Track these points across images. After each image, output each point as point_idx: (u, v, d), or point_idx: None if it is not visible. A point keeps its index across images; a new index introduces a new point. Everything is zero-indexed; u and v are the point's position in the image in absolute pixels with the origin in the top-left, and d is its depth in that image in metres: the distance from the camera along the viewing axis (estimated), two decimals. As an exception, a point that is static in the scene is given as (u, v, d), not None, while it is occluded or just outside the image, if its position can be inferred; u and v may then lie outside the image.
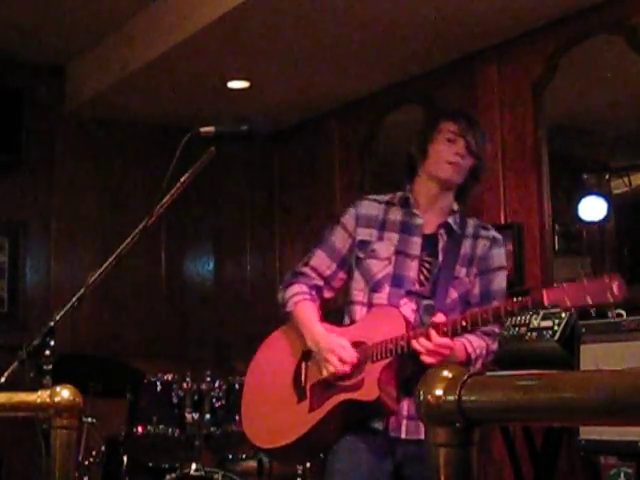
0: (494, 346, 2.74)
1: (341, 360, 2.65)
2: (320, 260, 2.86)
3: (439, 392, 1.12)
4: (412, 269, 2.73)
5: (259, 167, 6.77)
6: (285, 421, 2.76)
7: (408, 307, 2.70)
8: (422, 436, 2.60)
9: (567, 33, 4.60)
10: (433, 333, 2.51)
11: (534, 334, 3.76)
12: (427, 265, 2.75)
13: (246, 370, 3.00)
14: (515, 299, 2.48)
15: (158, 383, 4.26)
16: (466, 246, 2.78)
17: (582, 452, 3.45)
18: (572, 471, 4.21)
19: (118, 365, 4.71)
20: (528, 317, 3.85)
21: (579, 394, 1.02)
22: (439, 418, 1.12)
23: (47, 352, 2.41)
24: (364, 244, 2.80)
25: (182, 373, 4.27)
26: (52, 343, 2.42)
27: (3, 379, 2.39)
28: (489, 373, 1.16)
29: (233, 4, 4.54)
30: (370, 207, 2.84)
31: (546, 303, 2.40)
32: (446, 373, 1.13)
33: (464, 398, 1.10)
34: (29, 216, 6.05)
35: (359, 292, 2.79)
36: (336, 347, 2.67)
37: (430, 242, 2.77)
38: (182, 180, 2.62)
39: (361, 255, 2.79)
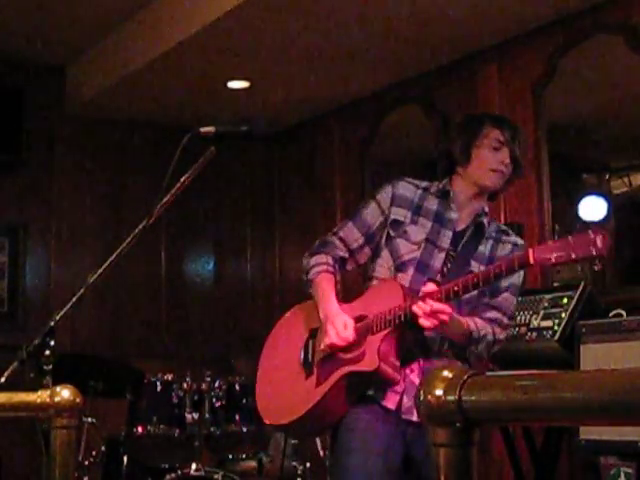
0: (502, 335, 2.75)
1: (338, 335, 2.69)
2: (349, 232, 2.88)
3: (439, 392, 1.12)
4: (438, 260, 2.77)
5: (259, 167, 6.77)
6: (294, 397, 2.82)
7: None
8: None
9: (567, 33, 4.60)
10: (428, 299, 2.56)
11: (534, 334, 3.77)
12: (452, 260, 2.79)
13: (257, 359, 3.05)
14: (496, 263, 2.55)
15: (158, 383, 4.26)
16: (486, 246, 2.82)
17: (582, 452, 3.45)
18: (572, 471, 4.21)
19: (118, 365, 4.71)
20: (528, 317, 3.85)
21: (579, 394, 1.02)
22: (439, 418, 1.12)
23: (47, 352, 2.41)
24: (397, 223, 2.82)
25: (182, 373, 4.28)
26: (52, 343, 2.42)
27: (3, 379, 2.40)
28: (489, 373, 1.16)
29: (233, 4, 4.54)
30: (407, 189, 2.86)
31: (531, 262, 2.45)
32: (446, 373, 1.13)
33: (464, 398, 1.10)
34: (29, 216, 6.05)
35: (384, 269, 2.83)
36: (338, 323, 2.71)
37: (459, 238, 2.82)
38: (182, 180, 2.62)
39: (393, 234, 2.82)
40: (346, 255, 2.89)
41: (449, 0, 4.45)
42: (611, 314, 3.57)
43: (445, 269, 2.77)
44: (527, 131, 4.79)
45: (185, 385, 4.22)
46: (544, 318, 3.77)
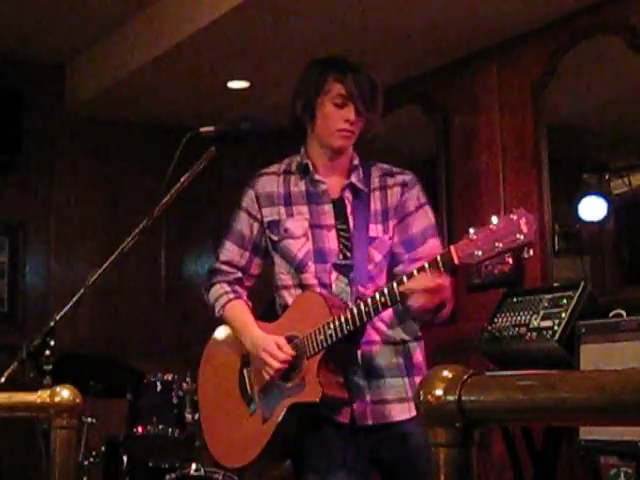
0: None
1: (276, 359, 2.50)
2: (231, 252, 2.70)
3: (439, 392, 1.12)
4: (331, 240, 2.56)
5: (259, 167, 6.75)
6: (243, 436, 2.63)
7: (340, 282, 2.54)
8: (390, 419, 2.52)
9: (567, 33, 4.60)
10: (425, 275, 2.30)
11: (534, 334, 3.77)
12: (344, 233, 2.57)
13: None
14: (425, 264, 2.30)
15: (158, 383, 4.26)
16: (375, 201, 2.59)
17: (582, 452, 3.45)
18: (572, 471, 4.21)
19: (118, 365, 4.71)
20: (528, 317, 3.85)
21: (579, 394, 1.02)
22: (439, 418, 1.12)
23: (47, 352, 2.41)
24: (274, 225, 2.62)
25: (182, 373, 4.27)
26: (52, 343, 2.42)
27: (3, 379, 2.40)
28: (489, 373, 1.16)
29: (233, 4, 4.54)
30: (268, 183, 2.66)
31: (457, 262, 2.25)
32: (446, 373, 1.13)
33: (464, 398, 1.10)
34: (29, 216, 6.05)
35: (285, 275, 2.64)
36: (271, 346, 2.52)
37: (340, 207, 2.59)
38: (182, 180, 2.62)
39: (275, 238, 2.62)
40: (238, 274, 2.71)
41: (449, 0, 4.45)
42: (611, 314, 3.57)
43: (341, 246, 2.55)
44: (527, 131, 4.80)
45: (185, 385, 4.21)
46: (544, 318, 3.77)
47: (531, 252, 2.22)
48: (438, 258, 2.30)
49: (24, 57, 5.93)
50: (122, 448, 4.33)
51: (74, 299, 2.53)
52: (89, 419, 4.35)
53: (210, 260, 6.69)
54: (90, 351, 5.52)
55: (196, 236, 6.61)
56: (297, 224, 2.59)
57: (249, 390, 2.67)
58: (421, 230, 2.57)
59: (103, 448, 4.39)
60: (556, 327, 3.68)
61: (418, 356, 2.63)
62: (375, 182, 2.62)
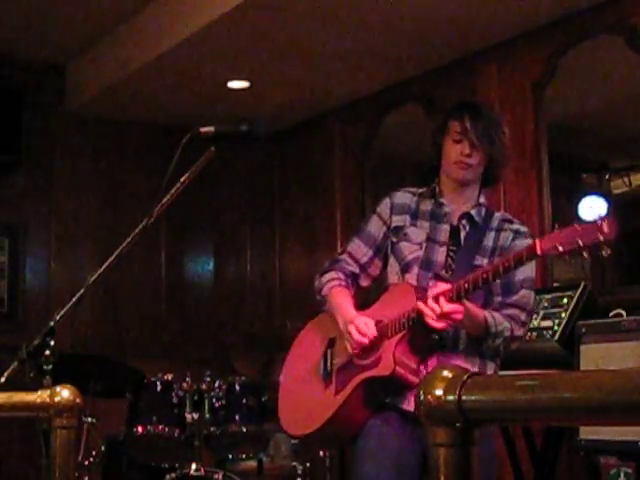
0: (519, 332, 2.72)
1: (360, 332, 2.70)
2: (357, 247, 2.94)
3: (439, 392, 1.12)
4: (440, 254, 2.79)
5: (259, 167, 6.77)
6: (314, 407, 2.84)
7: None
8: None
9: (567, 33, 4.60)
10: (442, 299, 2.54)
11: (534, 334, 3.77)
12: (452, 254, 2.80)
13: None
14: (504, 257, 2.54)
15: (158, 383, 4.25)
16: (489, 238, 2.81)
17: (582, 452, 3.45)
18: (572, 471, 4.21)
19: (118, 365, 4.70)
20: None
21: (579, 394, 1.02)
22: (439, 418, 1.12)
23: (47, 352, 2.41)
24: (398, 229, 2.88)
25: (182, 373, 4.27)
26: (52, 343, 2.42)
27: (3, 379, 2.40)
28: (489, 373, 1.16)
29: (233, 4, 4.54)
30: (403, 197, 2.92)
31: (539, 253, 2.45)
32: (446, 373, 1.13)
33: (464, 398, 1.10)
34: (29, 216, 6.05)
35: (393, 275, 2.86)
36: (359, 322, 2.73)
37: (456, 231, 2.84)
38: (182, 180, 2.62)
39: (394, 239, 2.87)
40: (357, 270, 2.94)
41: (449, 1, 4.45)
42: (611, 314, 3.57)
43: (448, 263, 2.78)
44: (527, 131, 4.80)
45: (185, 385, 4.21)
46: (544, 318, 3.77)
47: (609, 251, 2.42)
48: (522, 249, 2.54)
49: (24, 57, 5.93)
50: (122, 448, 4.33)
51: (74, 299, 2.53)
52: (89, 419, 4.35)
53: (210, 260, 6.73)
54: (90, 351, 5.52)
55: (196, 236, 6.61)
56: (417, 233, 2.85)
57: (329, 367, 2.87)
58: (522, 279, 2.76)
59: (103, 448, 4.39)
60: (556, 327, 3.68)
61: (491, 372, 2.79)
62: (494, 223, 2.84)
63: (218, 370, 4.51)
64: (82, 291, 2.54)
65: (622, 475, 3.55)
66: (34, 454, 2.95)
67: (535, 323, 3.79)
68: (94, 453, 4.38)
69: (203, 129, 2.65)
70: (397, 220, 2.89)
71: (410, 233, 2.85)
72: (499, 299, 2.74)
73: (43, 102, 6.09)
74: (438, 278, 2.74)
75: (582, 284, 3.78)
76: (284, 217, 6.59)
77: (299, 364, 3.00)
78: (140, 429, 4.19)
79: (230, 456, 4.48)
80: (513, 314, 2.72)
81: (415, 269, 2.79)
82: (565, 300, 3.74)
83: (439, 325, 2.56)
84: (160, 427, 4.17)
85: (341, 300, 2.87)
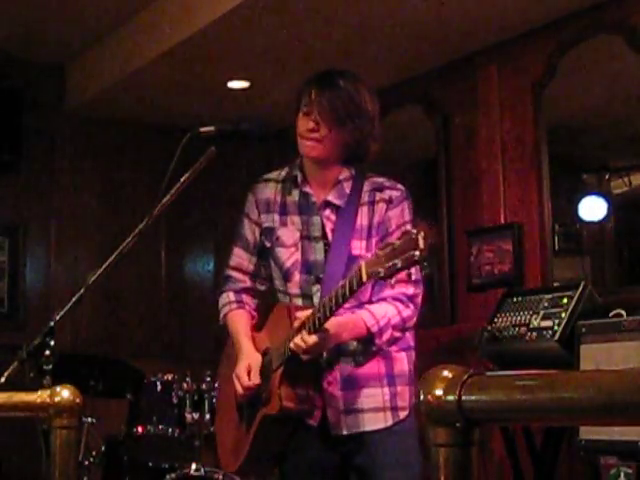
0: (408, 312, 2.55)
1: (242, 386, 2.60)
2: (239, 258, 2.79)
3: (439, 392, 1.12)
4: (318, 252, 2.62)
5: (259, 167, 6.76)
6: (234, 443, 2.73)
7: (325, 293, 2.55)
8: (364, 428, 2.57)
9: (567, 33, 4.60)
10: (304, 333, 2.42)
11: (534, 334, 3.77)
12: (327, 247, 2.61)
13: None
14: (343, 281, 2.37)
15: (158, 383, 4.25)
16: (362, 216, 2.60)
17: (582, 452, 3.45)
18: (572, 471, 4.21)
19: (118, 365, 4.71)
20: (528, 317, 3.85)
21: (579, 394, 1.02)
22: (439, 418, 1.12)
23: (47, 352, 2.41)
24: (268, 231, 2.70)
25: (182, 373, 4.27)
26: (52, 343, 2.42)
27: (3, 379, 2.40)
28: (489, 373, 1.16)
29: (233, 4, 4.54)
30: (266, 190, 2.73)
31: (364, 280, 2.27)
32: (446, 373, 1.13)
33: (464, 398, 1.10)
34: (29, 216, 6.04)
35: (277, 281, 2.72)
36: (241, 371, 2.61)
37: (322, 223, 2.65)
38: (182, 180, 2.62)
39: (267, 244, 2.71)
40: (247, 283, 2.79)
41: (449, 0, 4.45)
42: (611, 314, 3.57)
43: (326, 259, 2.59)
44: (527, 131, 4.79)
45: (185, 385, 4.21)
46: (544, 318, 3.77)
47: (428, 268, 2.29)
48: (350, 277, 2.34)
49: (24, 57, 5.93)
50: (122, 448, 4.33)
51: (74, 299, 2.53)
52: (89, 419, 4.35)
53: (210, 260, 6.72)
54: (90, 351, 5.52)
55: (196, 236, 6.61)
56: (289, 234, 2.66)
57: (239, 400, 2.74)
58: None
59: (103, 448, 4.39)
60: (556, 327, 3.68)
61: (403, 366, 2.66)
62: (365, 197, 2.63)
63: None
64: (82, 291, 2.54)
65: (622, 475, 3.55)
66: (34, 454, 2.95)
67: (535, 323, 3.79)
68: (94, 453, 4.38)
69: (203, 129, 2.65)
70: (266, 220, 2.70)
71: (282, 236, 2.66)
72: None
73: (43, 102, 6.09)
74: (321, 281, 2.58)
75: (582, 284, 3.78)
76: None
77: (222, 397, 2.91)
78: (140, 429, 4.19)
79: (230, 456, 4.47)
80: (396, 294, 2.53)
81: (296, 275, 2.63)
82: (565, 300, 3.74)
83: (309, 357, 2.45)
84: (160, 427, 4.17)
85: (235, 328, 2.73)
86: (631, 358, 3.28)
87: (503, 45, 4.94)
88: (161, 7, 5.24)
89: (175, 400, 4.20)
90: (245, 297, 2.80)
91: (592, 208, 4.78)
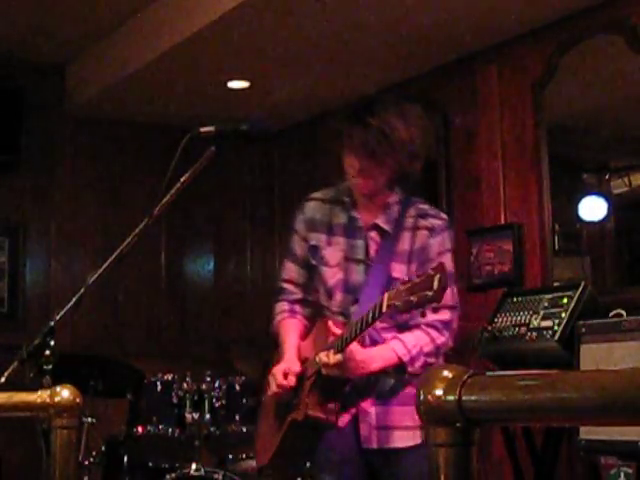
0: (442, 339, 2.63)
1: (276, 384, 2.71)
2: (291, 271, 2.90)
3: (439, 392, 1.12)
4: (359, 274, 2.71)
5: (259, 167, 6.77)
6: (268, 439, 2.86)
7: (358, 314, 2.64)
8: (394, 445, 2.66)
9: (567, 33, 4.60)
10: (330, 352, 2.54)
11: (534, 334, 3.77)
12: (369, 270, 2.72)
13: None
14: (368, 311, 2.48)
15: (158, 383, 4.26)
16: (404, 241, 2.69)
17: (582, 452, 3.45)
18: (572, 471, 4.21)
19: (118, 365, 4.71)
20: (528, 317, 3.85)
21: (579, 394, 1.02)
22: (439, 418, 1.12)
23: (47, 352, 2.41)
24: (314, 250, 2.80)
25: (182, 373, 4.27)
26: (52, 343, 2.42)
27: (3, 379, 2.40)
28: (489, 373, 1.16)
29: (233, 4, 4.54)
30: (315, 209, 2.84)
31: (384, 310, 2.40)
32: (446, 373, 1.13)
33: (464, 398, 1.10)
34: (29, 216, 6.05)
35: (322, 295, 2.82)
36: (278, 372, 2.71)
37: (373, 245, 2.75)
38: (182, 180, 2.62)
39: (313, 262, 2.81)
40: (300, 294, 2.89)
41: (449, 0, 4.45)
42: (611, 314, 3.57)
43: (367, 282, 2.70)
44: (527, 131, 4.79)
45: (185, 385, 4.21)
46: (544, 318, 3.77)
47: (433, 307, 2.41)
48: (374, 307, 2.45)
49: (24, 57, 5.93)
50: (122, 448, 4.33)
51: (74, 299, 2.53)
52: (89, 419, 4.35)
53: (210, 260, 6.72)
54: (90, 351, 5.52)
55: (196, 236, 6.61)
56: (333, 254, 2.76)
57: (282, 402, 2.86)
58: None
59: (103, 448, 4.39)
60: (556, 327, 3.68)
61: None
62: (408, 222, 2.71)
63: (218, 370, 4.51)
64: (82, 291, 2.54)
65: (622, 475, 3.55)
66: (34, 454, 2.95)
67: (535, 323, 3.79)
68: (94, 453, 4.38)
69: (203, 129, 2.65)
70: (313, 238, 2.80)
71: (327, 256, 2.76)
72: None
73: (43, 102, 6.09)
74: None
75: (582, 284, 3.78)
76: (284, 217, 6.58)
77: (268, 396, 2.98)
78: (140, 429, 4.19)
79: (230, 456, 4.48)
80: (431, 321, 2.62)
81: (338, 295, 2.73)
82: (565, 300, 3.74)
83: (330, 374, 2.56)
84: (160, 427, 4.18)
85: (283, 336, 2.84)
86: (631, 358, 3.27)
87: (503, 45, 4.94)
88: (161, 7, 5.24)
89: (175, 400, 4.21)
90: (298, 307, 2.90)
91: (592, 208, 4.77)
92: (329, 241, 2.77)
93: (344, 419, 2.67)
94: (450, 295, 2.56)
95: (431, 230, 2.68)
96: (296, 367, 2.71)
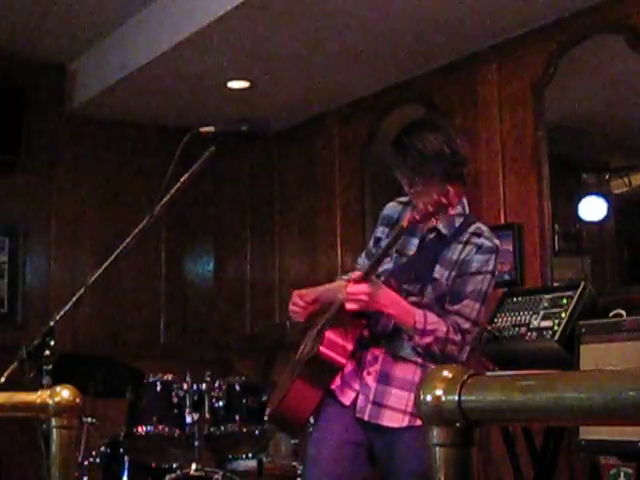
0: (456, 337, 2.73)
1: (293, 303, 2.97)
2: (361, 259, 3.13)
3: (439, 392, 1.12)
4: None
5: (259, 167, 6.77)
6: (282, 386, 3.02)
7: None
8: (381, 422, 2.80)
9: (567, 33, 4.60)
10: (351, 283, 2.71)
11: (534, 334, 3.77)
12: (412, 265, 2.88)
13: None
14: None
15: (158, 383, 4.25)
16: (454, 251, 2.82)
17: (582, 452, 3.45)
18: (572, 471, 4.21)
19: (118, 365, 4.71)
20: (528, 317, 3.85)
21: (579, 394, 1.02)
22: (439, 418, 1.12)
23: (47, 352, 2.41)
24: (378, 241, 3.02)
25: (182, 373, 4.27)
26: (52, 343, 2.42)
27: (3, 379, 2.40)
28: (489, 373, 1.16)
29: (233, 4, 4.54)
30: (390, 208, 3.04)
31: (404, 225, 2.65)
32: (446, 373, 1.13)
33: (464, 398, 1.10)
34: (29, 216, 6.05)
35: None
36: (299, 292, 2.98)
37: (422, 244, 2.91)
38: (182, 180, 2.62)
39: (373, 251, 3.01)
40: None
41: (449, 0, 4.45)
42: (611, 314, 3.57)
43: (414, 276, 2.85)
44: (527, 131, 4.79)
45: (185, 385, 4.21)
46: (544, 318, 3.77)
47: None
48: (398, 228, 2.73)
49: (24, 57, 5.93)
50: (122, 448, 4.33)
51: (74, 299, 2.53)
52: (89, 419, 4.35)
53: (210, 260, 6.72)
54: (90, 351, 5.52)
55: (196, 236, 6.61)
56: None
57: (302, 350, 3.04)
58: (470, 290, 2.77)
59: (103, 448, 4.39)
60: (556, 327, 3.68)
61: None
62: (464, 236, 2.84)
63: (218, 370, 4.52)
64: (82, 291, 2.54)
65: (622, 475, 3.55)
66: (34, 454, 2.95)
67: (535, 323, 3.79)
68: (94, 453, 4.38)
69: (203, 129, 2.66)
70: (380, 231, 3.02)
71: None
72: (446, 306, 2.78)
73: (43, 102, 6.09)
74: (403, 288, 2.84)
75: (582, 284, 3.78)
76: (284, 217, 6.59)
77: (294, 353, 3.17)
78: (140, 429, 4.19)
79: (230, 456, 4.48)
80: (455, 321, 2.74)
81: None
82: (565, 300, 3.74)
83: (349, 306, 2.69)
84: (160, 427, 4.17)
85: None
86: (631, 358, 3.27)
87: (503, 45, 4.94)
88: (161, 7, 5.24)
89: (175, 400, 4.20)
90: None
91: (592, 208, 4.77)
92: (389, 235, 2.92)
93: (348, 396, 2.82)
94: (475, 310, 2.75)
95: (479, 248, 2.80)
96: (314, 292, 2.95)
